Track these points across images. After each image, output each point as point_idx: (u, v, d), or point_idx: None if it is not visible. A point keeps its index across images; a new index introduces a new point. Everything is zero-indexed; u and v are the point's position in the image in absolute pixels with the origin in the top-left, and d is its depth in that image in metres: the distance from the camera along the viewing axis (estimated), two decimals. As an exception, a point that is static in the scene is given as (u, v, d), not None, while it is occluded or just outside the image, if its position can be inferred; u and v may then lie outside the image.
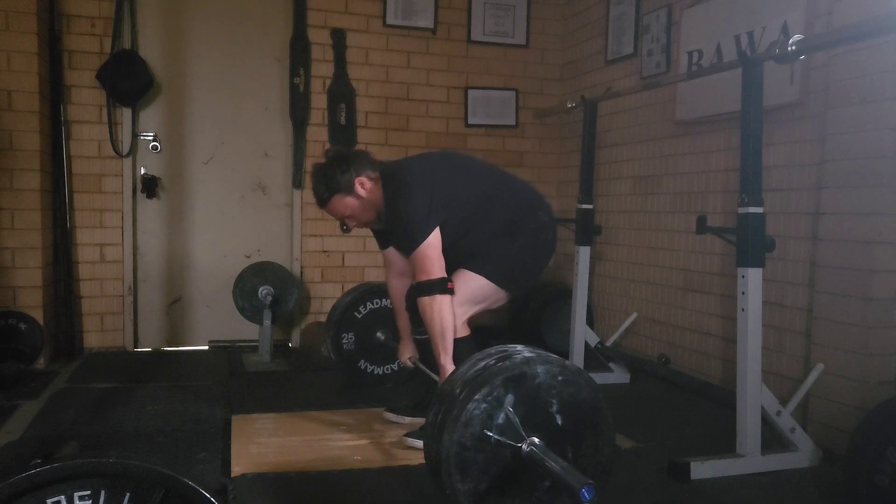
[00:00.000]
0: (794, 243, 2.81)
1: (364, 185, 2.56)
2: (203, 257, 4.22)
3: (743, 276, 2.42)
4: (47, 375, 3.46)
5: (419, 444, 2.53)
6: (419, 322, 2.82)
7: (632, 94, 3.68)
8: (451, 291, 2.49)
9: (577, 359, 3.56)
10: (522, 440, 1.65)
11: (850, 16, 2.53)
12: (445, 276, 2.49)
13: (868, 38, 2.27)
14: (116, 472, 1.19)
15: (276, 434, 2.69)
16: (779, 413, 2.46)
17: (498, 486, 1.67)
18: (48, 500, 1.16)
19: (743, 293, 2.42)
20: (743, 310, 2.43)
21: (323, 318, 4.27)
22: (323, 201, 2.60)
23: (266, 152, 4.29)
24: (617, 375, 3.63)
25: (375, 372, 3.37)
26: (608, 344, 3.70)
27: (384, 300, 3.30)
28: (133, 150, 4.03)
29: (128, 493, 1.20)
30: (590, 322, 3.80)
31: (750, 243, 2.39)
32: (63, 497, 1.17)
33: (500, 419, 1.64)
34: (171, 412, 2.91)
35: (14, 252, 3.57)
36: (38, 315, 3.58)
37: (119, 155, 3.97)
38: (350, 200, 2.57)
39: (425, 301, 2.47)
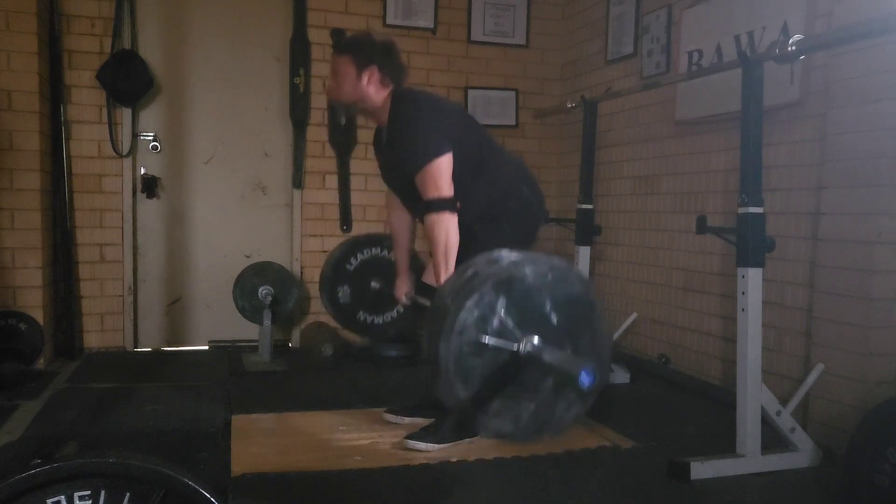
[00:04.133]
0: (794, 243, 2.81)
1: (371, 78, 2.54)
2: (203, 257, 4.22)
3: (743, 276, 2.42)
4: (47, 375, 3.46)
5: (420, 445, 2.53)
6: (423, 291, 2.79)
7: (632, 94, 3.68)
8: (458, 210, 2.43)
9: (577, 359, 3.56)
10: (519, 341, 1.62)
11: (850, 16, 2.53)
12: (453, 195, 2.43)
13: (868, 38, 2.27)
14: (116, 472, 1.19)
15: (276, 434, 2.69)
16: (779, 413, 2.46)
17: (502, 391, 1.65)
18: (48, 500, 1.17)
19: (743, 293, 2.42)
20: (743, 310, 2.43)
21: (323, 318, 4.27)
22: (338, 49, 2.62)
23: (266, 152, 4.29)
24: (617, 375, 3.62)
25: (375, 322, 3.30)
26: (608, 344, 3.69)
27: (374, 249, 3.25)
28: (133, 150, 4.03)
29: (128, 493, 1.20)
30: (590, 322, 3.80)
31: (750, 243, 2.39)
32: (63, 497, 1.17)
33: (495, 324, 1.61)
34: (171, 412, 2.90)
35: (14, 252, 3.57)
36: (38, 315, 3.58)
37: (119, 155, 3.97)
38: (350, 71, 2.54)
39: (433, 218, 2.41)
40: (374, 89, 2.55)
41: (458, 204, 2.44)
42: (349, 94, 2.57)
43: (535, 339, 1.62)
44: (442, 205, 2.41)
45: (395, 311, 3.23)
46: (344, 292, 3.25)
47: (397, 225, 2.85)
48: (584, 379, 1.50)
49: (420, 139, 2.45)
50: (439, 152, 2.42)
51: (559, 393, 1.68)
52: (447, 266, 2.40)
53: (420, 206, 2.50)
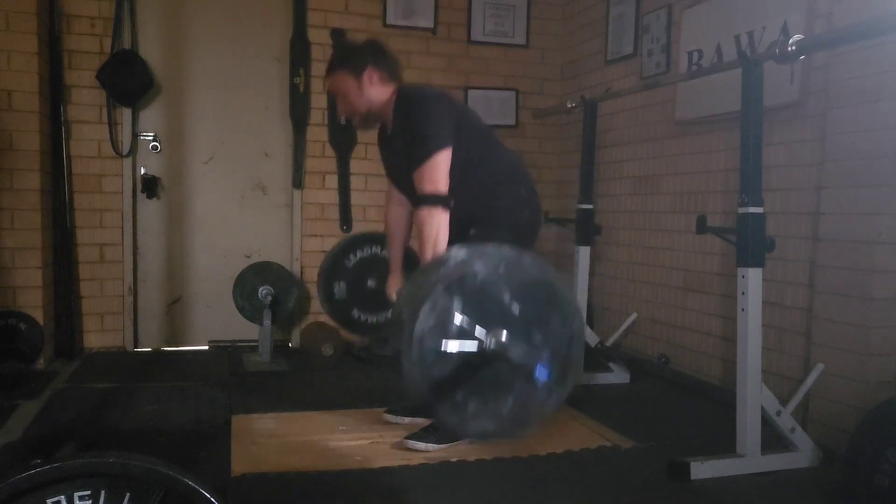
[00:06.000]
0: (794, 243, 2.81)
1: (371, 78, 2.53)
2: (203, 257, 4.22)
3: (743, 276, 2.42)
4: (47, 375, 3.46)
5: (420, 445, 2.53)
6: None
7: (632, 94, 3.68)
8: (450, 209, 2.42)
9: (577, 359, 3.56)
10: (483, 340, 1.58)
11: (850, 16, 2.53)
12: (451, 188, 2.41)
13: (868, 38, 2.27)
14: (116, 472, 1.19)
15: (276, 434, 2.69)
16: (779, 413, 2.46)
17: (478, 393, 1.61)
18: (48, 500, 1.16)
19: (743, 293, 2.42)
20: (743, 310, 2.43)
21: (323, 318, 4.27)
22: (330, 69, 2.61)
23: (266, 152, 4.29)
24: (617, 375, 3.62)
25: (369, 321, 3.30)
26: (608, 344, 3.70)
27: (374, 247, 3.26)
28: (133, 150, 4.03)
29: (128, 493, 1.20)
30: (590, 322, 3.80)
31: (750, 243, 2.39)
32: (63, 497, 1.17)
33: (454, 327, 1.57)
34: (171, 412, 2.91)
35: (14, 252, 3.57)
36: (38, 315, 3.58)
37: (119, 155, 3.97)
38: (351, 82, 2.54)
39: (425, 212, 2.39)
40: (377, 89, 2.55)
41: (452, 201, 2.42)
42: (360, 105, 2.58)
43: (501, 334, 1.58)
44: (436, 200, 2.39)
45: (389, 311, 3.20)
46: (340, 288, 3.24)
47: (394, 221, 2.83)
48: (540, 374, 1.47)
49: (422, 133, 2.43)
50: (439, 147, 2.41)
51: (536, 382, 1.64)
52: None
53: (414, 199, 2.49)
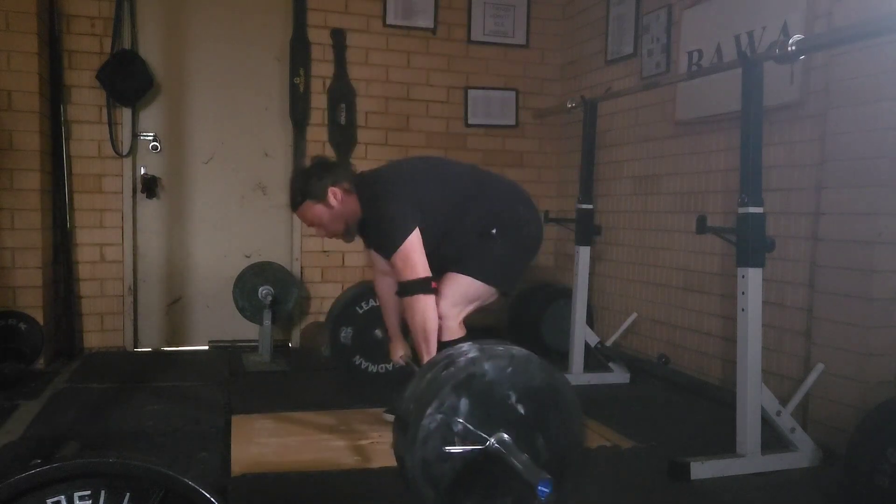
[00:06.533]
0: (794, 243, 2.82)
1: (336, 196, 2.57)
2: (203, 257, 4.22)
3: (743, 276, 2.42)
4: (47, 375, 3.46)
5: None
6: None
7: (632, 94, 3.68)
8: (434, 291, 2.48)
9: (577, 359, 3.56)
10: (486, 441, 1.61)
11: (850, 16, 2.53)
12: (429, 274, 2.47)
13: (868, 38, 2.26)
14: (116, 472, 1.19)
15: (276, 434, 2.69)
16: (779, 413, 2.46)
17: (478, 492, 1.64)
18: (48, 500, 1.16)
19: (743, 293, 2.42)
20: (743, 310, 2.43)
21: (323, 318, 4.27)
22: (295, 205, 2.63)
23: (266, 152, 4.29)
24: (617, 375, 3.63)
25: (370, 370, 3.34)
26: (608, 344, 3.70)
27: None
28: (133, 150, 4.03)
29: (128, 493, 1.20)
30: (590, 322, 3.80)
31: (750, 243, 2.39)
32: (63, 497, 1.17)
33: (459, 427, 1.60)
34: (171, 412, 2.90)
35: (14, 252, 3.57)
36: (38, 315, 3.58)
37: (119, 155, 3.97)
38: (320, 209, 2.58)
39: (408, 301, 2.47)
40: (344, 204, 2.59)
41: (435, 284, 2.50)
42: (337, 225, 2.63)
43: (504, 436, 1.61)
44: (416, 287, 2.45)
45: (391, 364, 3.23)
46: (346, 333, 3.27)
47: (383, 290, 2.87)
48: (542, 491, 1.49)
49: (384, 226, 2.51)
50: (404, 235, 2.46)
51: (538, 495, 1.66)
52: (428, 348, 2.45)
53: (397, 289, 2.55)
